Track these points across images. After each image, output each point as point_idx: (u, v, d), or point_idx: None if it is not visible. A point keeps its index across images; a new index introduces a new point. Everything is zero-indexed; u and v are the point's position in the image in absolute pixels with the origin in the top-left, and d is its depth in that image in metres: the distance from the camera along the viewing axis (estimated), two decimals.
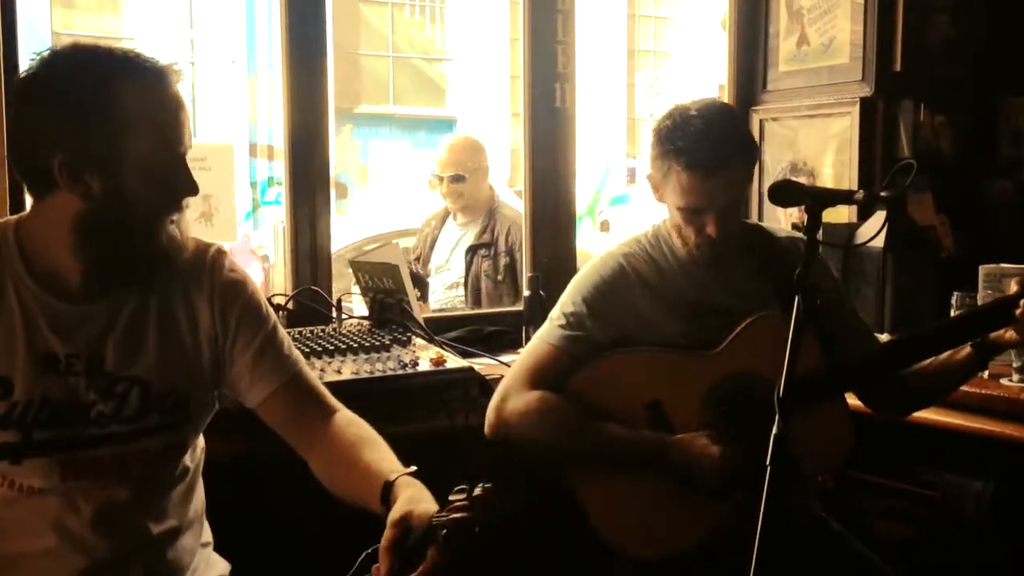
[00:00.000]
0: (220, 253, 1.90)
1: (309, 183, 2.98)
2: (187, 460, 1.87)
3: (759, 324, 2.30)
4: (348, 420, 1.90)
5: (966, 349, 2.27)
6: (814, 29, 3.60)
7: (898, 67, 3.43)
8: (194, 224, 1.87)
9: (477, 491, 1.51)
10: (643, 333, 2.35)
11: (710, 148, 2.24)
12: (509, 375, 2.39)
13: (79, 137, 1.63)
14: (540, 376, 2.33)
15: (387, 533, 1.57)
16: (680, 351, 2.32)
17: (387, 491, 1.67)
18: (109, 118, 1.64)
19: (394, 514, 1.59)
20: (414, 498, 1.62)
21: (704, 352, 2.32)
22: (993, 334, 2.23)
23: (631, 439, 2.24)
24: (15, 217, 1.79)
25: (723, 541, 2.19)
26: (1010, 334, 2.19)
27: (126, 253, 1.71)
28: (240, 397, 1.90)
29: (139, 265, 1.74)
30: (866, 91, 3.44)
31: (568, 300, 2.40)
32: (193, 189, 1.74)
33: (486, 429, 2.36)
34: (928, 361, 2.33)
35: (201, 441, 1.93)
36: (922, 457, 2.75)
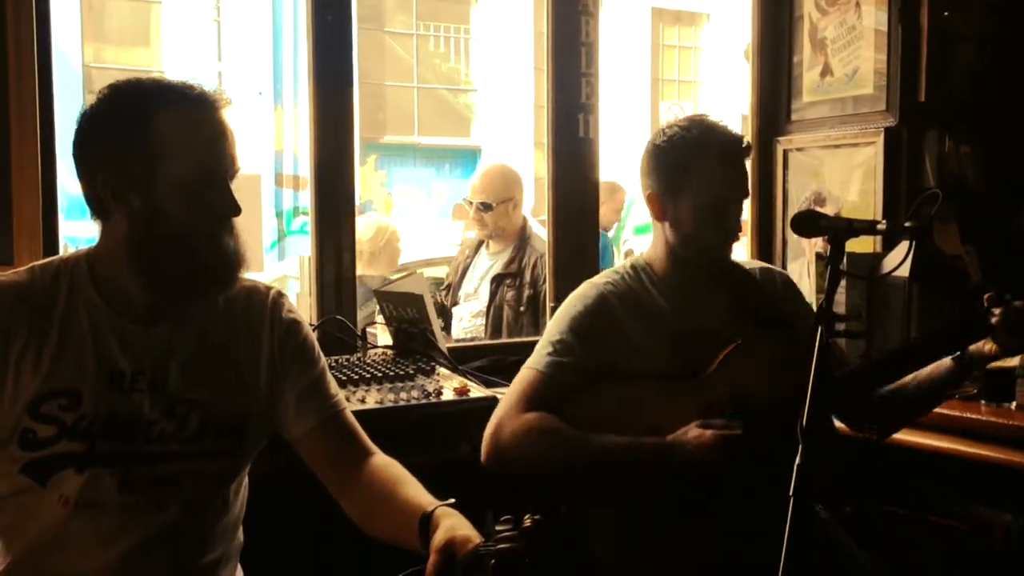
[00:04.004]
0: (281, 295, 2.01)
1: (334, 213, 3.00)
2: (234, 492, 1.94)
3: (744, 348, 2.34)
4: (385, 462, 1.94)
5: (946, 363, 2.31)
6: (838, 59, 3.60)
7: (923, 97, 3.43)
8: None
9: (527, 522, 1.51)
10: (629, 358, 2.38)
11: (732, 139, 2.40)
12: (500, 405, 2.41)
13: (120, 159, 1.75)
14: (531, 402, 2.36)
15: (432, 558, 1.59)
16: (671, 379, 2.36)
17: (426, 522, 1.69)
18: (147, 142, 1.74)
19: (437, 541, 1.60)
20: (456, 526, 1.64)
21: (693, 377, 2.36)
22: (972, 347, 2.27)
23: (629, 444, 2.26)
24: (86, 248, 1.89)
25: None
26: (989, 346, 2.24)
27: (175, 268, 1.79)
28: (283, 430, 1.96)
29: (192, 279, 1.82)
30: (890, 121, 3.43)
31: (554, 330, 2.43)
32: (235, 210, 1.82)
33: (482, 458, 2.38)
34: (909, 378, 2.37)
35: (246, 480, 1.99)
36: (950, 489, 2.72)
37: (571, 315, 2.42)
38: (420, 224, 14.74)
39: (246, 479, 2.00)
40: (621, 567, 2.31)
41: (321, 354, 2.02)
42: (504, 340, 3.79)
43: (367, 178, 15.28)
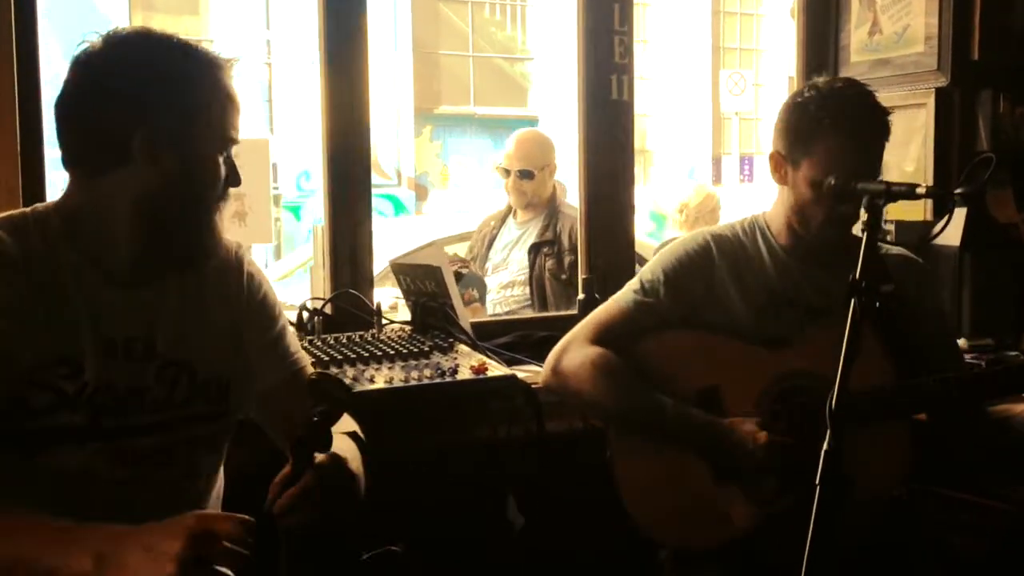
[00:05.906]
0: (241, 248, 1.98)
1: (349, 186, 2.87)
2: (220, 463, 1.92)
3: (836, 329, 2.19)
4: None
5: None
6: (887, 16, 3.47)
7: (976, 56, 3.31)
8: (227, 224, 1.88)
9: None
10: (715, 313, 2.35)
11: (871, 115, 2.26)
12: (574, 329, 2.41)
13: (164, 113, 1.69)
14: (604, 334, 2.35)
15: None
16: (753, 344, 2.31)
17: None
18: (192, 103, 1.71)
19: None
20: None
21: (775, 348, 2.30)
22: None
23: (680, 413, 2.23)
24: (50, 203, 1.79)
25: (753, 548, 2.22)
26: None
27: (183, 232, 1.76)
28: None
29: (189, 248, 1.79)
30: (942, 81, 3.32)
31: (648, 269, 2.43)
32: (238, 180, 1.81)
33: (540, 379, 2.43)
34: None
35: (220, 471, 1.96)
36: (994, 469, 2.61)
37: (670, 260, 2.40)
38: (475, 195, 14.69)
39: (221, 472, 1.95)
40: (650, 523, 2.31)
41: (283, 312, 2.00)
42: (532, 315, 3.67)
43: (422, 149, 15.22)
